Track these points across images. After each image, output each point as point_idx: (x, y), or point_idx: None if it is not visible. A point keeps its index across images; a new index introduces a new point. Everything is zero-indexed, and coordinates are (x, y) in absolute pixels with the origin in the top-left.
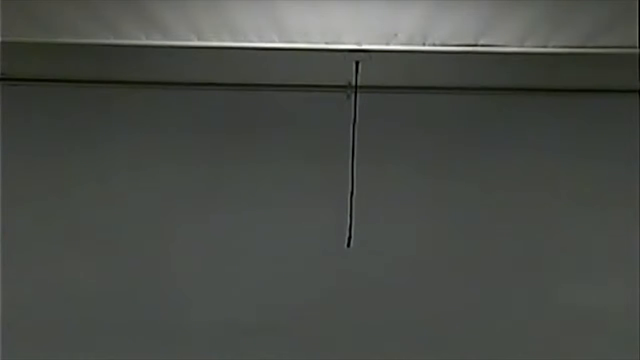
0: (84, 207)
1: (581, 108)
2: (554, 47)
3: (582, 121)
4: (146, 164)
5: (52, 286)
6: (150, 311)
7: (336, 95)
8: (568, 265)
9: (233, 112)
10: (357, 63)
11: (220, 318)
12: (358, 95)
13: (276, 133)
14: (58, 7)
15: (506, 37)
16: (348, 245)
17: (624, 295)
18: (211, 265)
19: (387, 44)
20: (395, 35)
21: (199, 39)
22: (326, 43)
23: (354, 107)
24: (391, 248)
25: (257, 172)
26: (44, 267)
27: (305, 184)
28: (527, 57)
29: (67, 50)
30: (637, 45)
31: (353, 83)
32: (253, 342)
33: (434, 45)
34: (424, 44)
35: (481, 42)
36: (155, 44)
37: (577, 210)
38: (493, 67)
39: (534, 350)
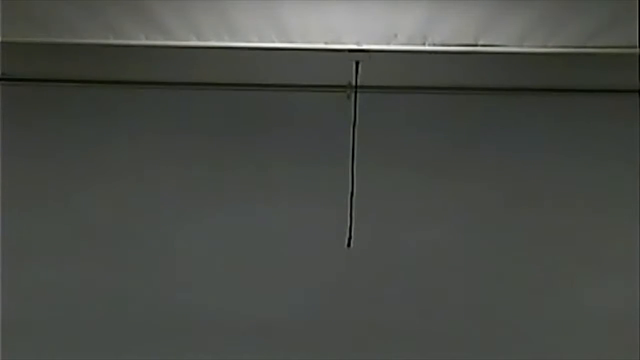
0: (83, 207)
1: (581, 108)
2: (554, 47)
3: (582, 121)
4: (146, 164)
5: (52, 286)
6: (151, 311)
7: (336, 95)
8: (568, 265)
9: (233, 112)
10: (357, 63)
11: (220, 318)
12: (358, 95)
13: (276, 133)
14: (58, 7)
15: (506, 37)
16: (348, 245)
17: (624, 295)
18: (211, 266)
19: (387, 44)
20: (395, 35)
21: (199, 39)
22: (326, 43)
23: (354, 107)
24: (391, 248)
25: (257, 172)
26: (44, 268)
27: (305, 184)
28: (527, 57)
29: (67, 50)
30: (637, 45)
31: (353, 83)
32: (253, 342)
33: (434, 45)
34: (424, 44)
35: (481, 42)
36: (155, 44)
37: (577, 210)
38: (493, 67)
39: (534, 351)
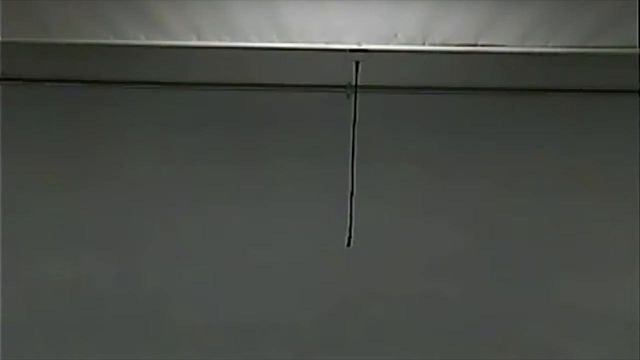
0: (83, 206)
1: (581, 108)
2: (554, 47)
3: (582, 121)
4: (145, 163)
5: (52, 286)
6: (151, 311)
7: (336, 95)
8: (568, 265)
9: (233, 112)
10: (357, 63)
11: (219, 318)
12: (358, 95)
13: (276, 133)
14: (58, 7)
15: (506, 37)
16: (348, 245)
17: (624, 295)
18: (211, 265)
19: (387, 44)
20: (395, 35)
21: (199, 39)
22: (326, 43)
23: (354, 107)
24: (391, 248)
25: (257, 172)
26: (44, 268)
27: (305, 183)
28: (527, 57)
29: (67, 50)
30: (637, 45)
31: (353, 83)
32: (252, 342)
33: (434, 45)
34: (424, 44)
35: (481, 42)
36: (155, 44)
37: (577, 210)
38: (493, 67)
39: (534, 350)
